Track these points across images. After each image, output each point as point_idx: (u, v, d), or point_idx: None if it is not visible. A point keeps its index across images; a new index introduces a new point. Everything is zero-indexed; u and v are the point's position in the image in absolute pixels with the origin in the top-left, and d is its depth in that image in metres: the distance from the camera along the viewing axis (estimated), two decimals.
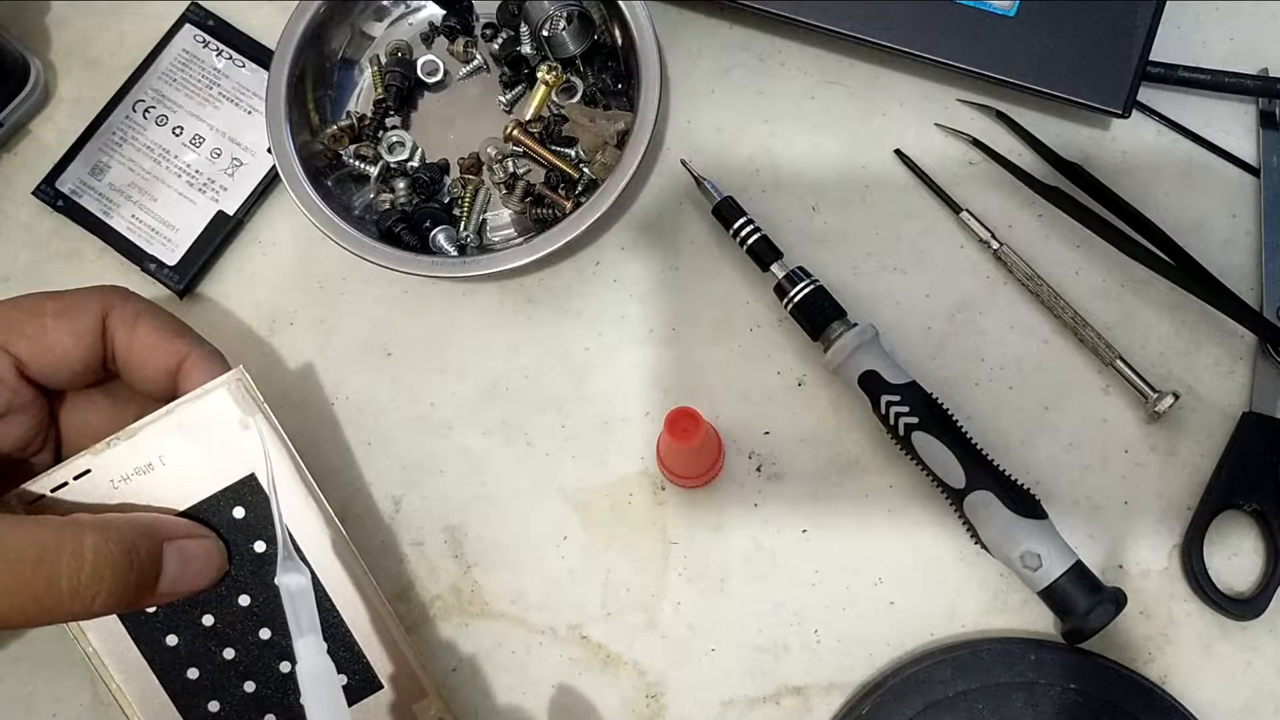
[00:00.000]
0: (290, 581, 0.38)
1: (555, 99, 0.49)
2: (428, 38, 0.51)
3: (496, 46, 0.49)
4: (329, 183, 0.48)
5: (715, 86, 0.50)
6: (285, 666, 0.41)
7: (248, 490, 0.41)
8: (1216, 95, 0.49)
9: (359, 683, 0.41)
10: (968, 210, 0.48)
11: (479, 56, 0.50)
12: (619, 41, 0.48)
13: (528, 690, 0.46)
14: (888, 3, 0.47)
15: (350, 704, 0.41)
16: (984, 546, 0.43)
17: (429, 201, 0.49)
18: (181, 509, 0.40)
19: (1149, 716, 0.42)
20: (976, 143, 0.49)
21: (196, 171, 0.50)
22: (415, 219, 0.48)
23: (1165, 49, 0.48)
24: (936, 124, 0.49)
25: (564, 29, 0.48)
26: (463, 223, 0.49)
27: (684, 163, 0.49)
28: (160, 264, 0.49)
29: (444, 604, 0.47)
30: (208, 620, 0.41)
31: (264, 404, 0.41)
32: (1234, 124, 0.49)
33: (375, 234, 0.47)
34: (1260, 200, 0.48)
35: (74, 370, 0.40)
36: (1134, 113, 0.47)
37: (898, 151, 0.49)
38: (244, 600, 0.41)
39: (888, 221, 0.49)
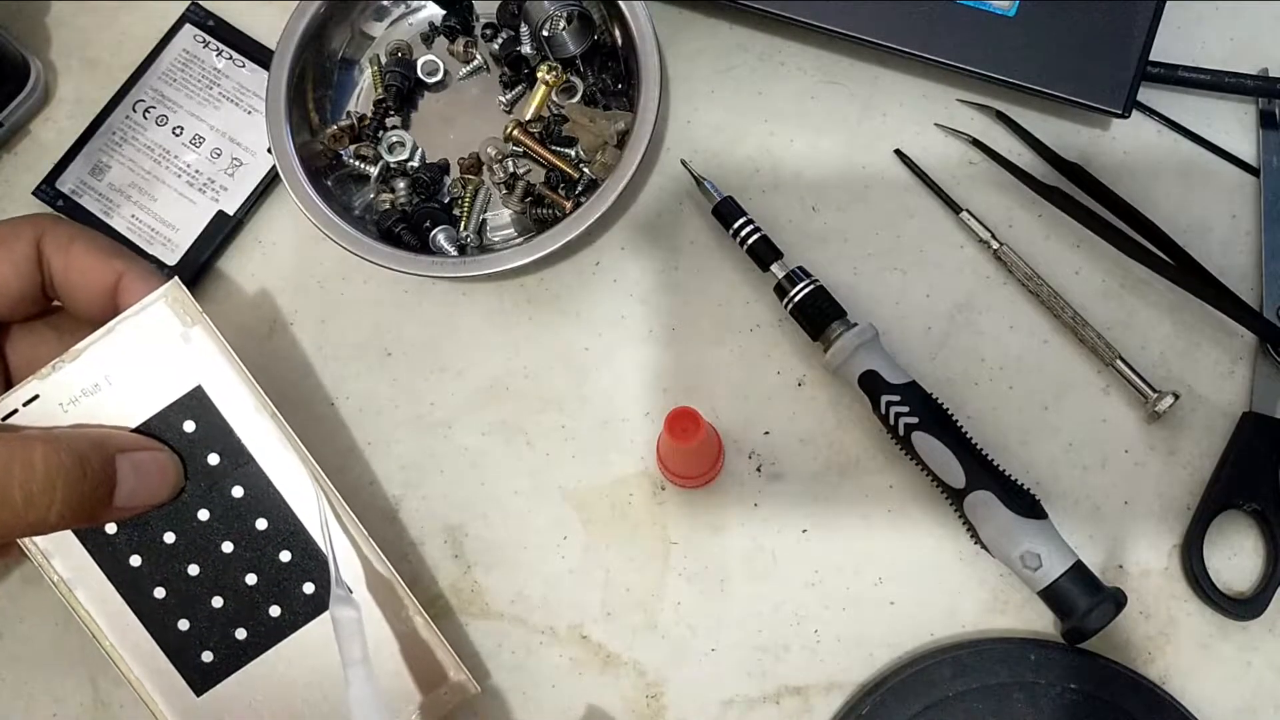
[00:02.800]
0: (341, 614, 0.39)
1: (555, 99, 0.49)
2: (428, 38, 0.51)
3: (496, 46, 0.49)
4: (329, 183, 0.48)
5: (715, 86, 0.50)
6: (252, 579, 0.41)
7: (196, 403, 0.41)
8: (1216, 95, 0.49)
9: (327, 590, 0.41)
10: (968, 210, 0.48)
11: (479, 56, 0.50)
12: (619, 41, 0.48)
13: (527, 690, 0.46)
14: (888, 3, 0.47)
15: (320, 611, 0.41)
16: (984, 546, 0.43)
17: (429, 201, 0.49)
18: (132, 426, 0.40)
19: (1149, 716, 0.42)
20: (976, 143, 0.49)
21: (196, 171, 0.50)
22: (415, 219, 0.48)
23: (1165, 49, 0.48)
24: (936, 124, 0.49)
25: (564, 29, 0.48)
26: (463, 223, 0.49)
27: (684, 163, 0.49)
28: (160, 264, 0.49)
29: (444, 604, 0.47)
30: (169, 538, 0.41)
31: (203, 314, 0.41)
32: (1234, 124, 0.49)
33: (375, 234, 0.47)
34: (1260, 200, 0.48)
35: (13, 299, 0.40)
36: (1134, 113, 0.47)
37: (898, 151, 0.49)
38: (203, 515, 0.41)
39: (888, 221, 0.49)
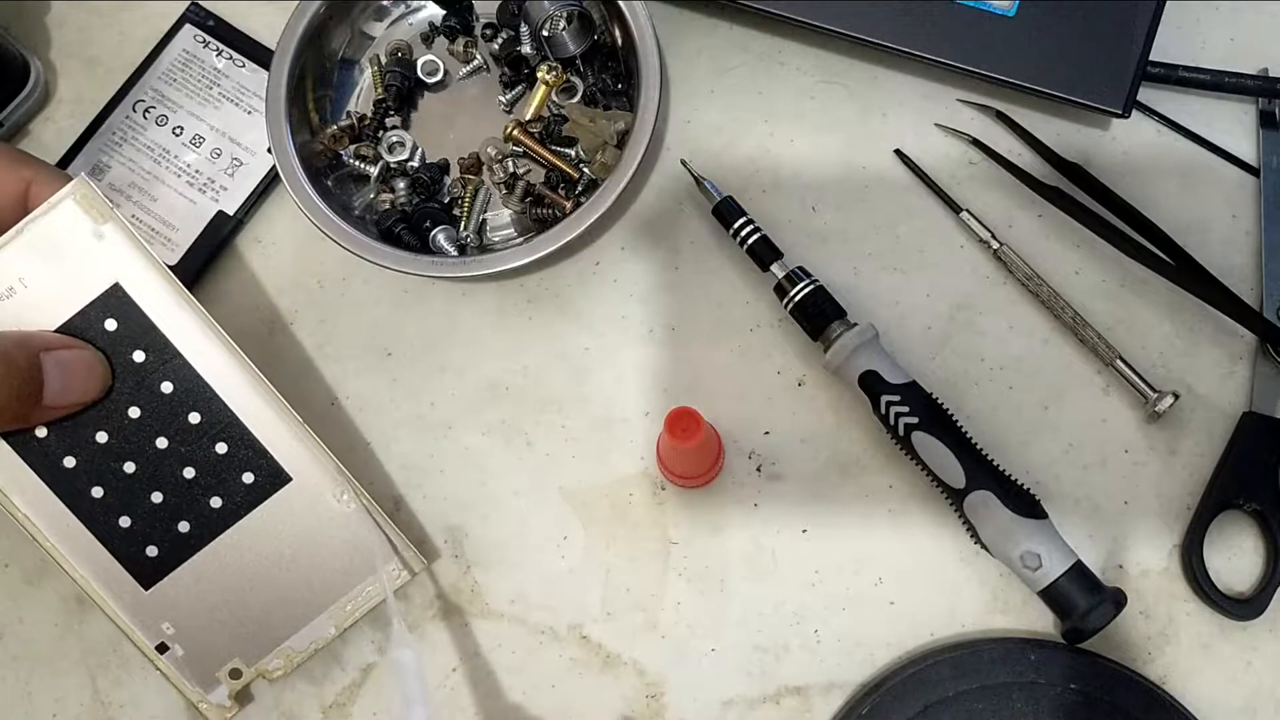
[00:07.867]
0: (402, 657, 0.41)
1: (555, 99, 0.49)
2: (428, 38, 0.51)
3: (496, 46, 0.49)
4: (329, 183, 0.48)
5: (715, 86, 0.50)
6: (189, 472, 0.42)
7: (115, 301, 0.41)
8: (1216, 95, 0.49)
9: (266, 479, 0.42)
10: (968, 210, 0.48)
11: (479, 56, 0.50)
12: (619, 41, 0.48)
13: (528, 690, 0.46)
14: (888, 3, 0.47)
15: (261, 500, 0.42)
16: (984, 546, 0.43)
17: (429, 201, 0.49)
18: (53, 328, 0.40)
19: (1149, 716, 0.42)
20: (976, 143, 0.49)
21: (196, 171, 0.50)
22: (415, 219, 0.48)
23: (1165, 49, 0.48)
24: (936, 124, 0.49)
25: (564, 29, 0.48)
26: (463, 223, 0.49)
27: (684, 163, 0.49)
28: None
29: (444, 604, 0.47)
30: (101, 437, 0.41)
31: (115, 211, 0.41)
32: (1234, 124, 0.49)
33: (375, 234, 0.47)
34: (1260, 200, 0.48)
35: None
36: (1134, 113, 0.47)
37: (898, 151, 0.49)
38: (134, 412, 0.41)
39: (888, 221, 0.49)
